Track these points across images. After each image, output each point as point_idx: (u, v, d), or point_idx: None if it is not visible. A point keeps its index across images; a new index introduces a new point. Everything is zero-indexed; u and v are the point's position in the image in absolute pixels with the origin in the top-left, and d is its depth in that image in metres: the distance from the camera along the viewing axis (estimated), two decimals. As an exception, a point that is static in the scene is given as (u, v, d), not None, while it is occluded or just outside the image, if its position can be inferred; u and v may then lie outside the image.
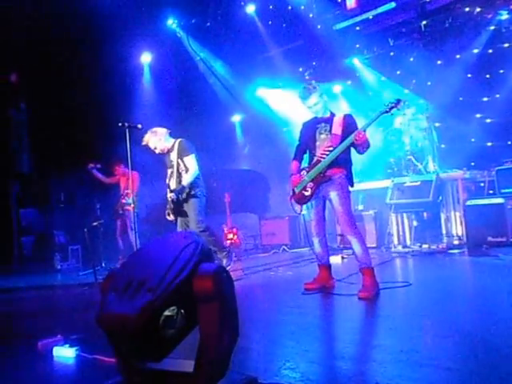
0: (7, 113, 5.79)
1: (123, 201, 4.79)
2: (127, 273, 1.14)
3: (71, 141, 6.04)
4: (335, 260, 4.11)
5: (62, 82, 5.68)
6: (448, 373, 1.30)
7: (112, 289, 1.10)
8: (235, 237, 5.74)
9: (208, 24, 6.80)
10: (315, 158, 2.59)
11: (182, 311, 1.06)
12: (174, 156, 3.28)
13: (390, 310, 2.22)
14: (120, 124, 3.05)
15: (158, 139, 3.28)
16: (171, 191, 3.25)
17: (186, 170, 3.21)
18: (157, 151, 3.33)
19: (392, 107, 2.46)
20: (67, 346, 1.75)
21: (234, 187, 5.80)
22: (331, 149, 2.51)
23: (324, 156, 2.52)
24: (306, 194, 2.59)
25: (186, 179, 3.19)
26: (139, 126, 3.13)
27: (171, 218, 3.29)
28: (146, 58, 7.03)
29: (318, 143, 2.61)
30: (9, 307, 3.16)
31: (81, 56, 5.51)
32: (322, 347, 1.69)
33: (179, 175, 3.22)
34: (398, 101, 2.46)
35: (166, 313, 1.03)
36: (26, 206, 5.76)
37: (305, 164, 2.76)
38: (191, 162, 3.21)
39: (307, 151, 2.73)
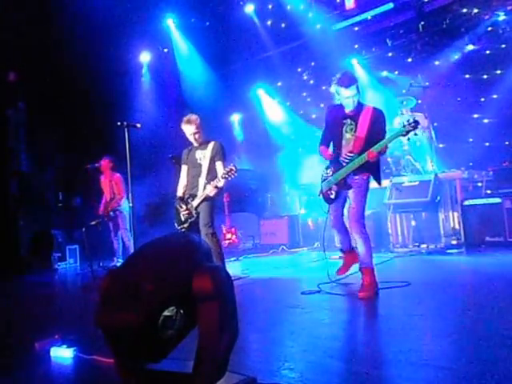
0: (5, 112, 5.75)
1: (115, 205, 4.74)
2: (126, 273, 1.14)
3: (70, 140, 6.01)
4: (334, 259, 4.13)
5: (61, 82, 5.65)
6: (446, 373, 1.30)
7: (110, 289, 1.10)
8: (233, 236, 5.74)
9: (207, 23, 6.79)
10: (340, 159, 2.56)
11: (181, 311, 1.05)
12: (204, 154, 3.12)
13: (388, 309, 2.22)
14: (119, 123, 3.03)
15: (198, 129, 3.12)
16: (187, 197, 3.05)
17: (216, 174, 3.03)
18: (191, 138, 3.14)
19: (409, 131, 2.37)
20: (65, 346, 1.74)
21: (233, 187, 5.80)
22: (352, 155, 2.47)
23: (346, 161, 2.50)
24: (331, 196, 2.68)
25: (222, 183, 2.96)
26: (138, 125, 3.12)
27: (187, 211, 3.01)
28: (145, 57, 7.02)
29: (343, 142, 2.55)
30: (6, 307, 3.14)
31: (80, 55, 5.48)
32: (320, 347, 1.68)
33: (208, 176, 3.04)
34: (416, 124, 2.33)
35: (165, 313, 1.02)
36: (24, 206, 5.73)
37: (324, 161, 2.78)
38: (223, 168, 3.08)
39: (332, 142, 2.66)
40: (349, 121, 2.54)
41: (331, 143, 2.69)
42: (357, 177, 2.53)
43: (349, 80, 2.44)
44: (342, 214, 2.76)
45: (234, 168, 2.87)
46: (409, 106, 4.99)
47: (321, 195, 2.76)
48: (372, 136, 2.44)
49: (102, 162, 4.86)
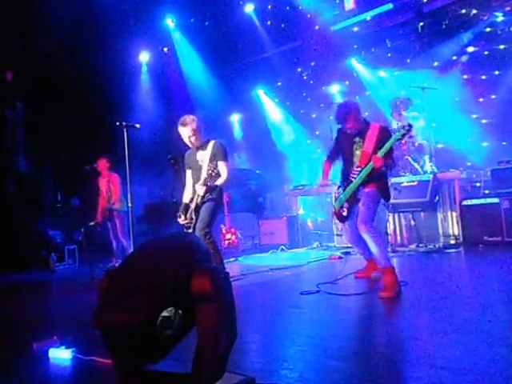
0: (4, 112, 5.74)
1: (114, 205, 4.74)
2: (124, 273, 1.14)
3: (69, 140, 6.00)
4: (334, 259, 4.14)
5: (60, 81, 5.64)
6: (444, 371, 1.31)
7: (108, 290, 1.09)
8: (233, 237, 5.73)
9: (206, 23, 6.79)
10: (349, 177, 2.69)
11: (180, 312, 1.05)
12: (204, 156, 3.00)
13: (387, 309, 2.23)
14: (118, 123, 3.03)
15: (194, 132, 2.97)
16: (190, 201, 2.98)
17: (218, 175, 2.93)
18: (186, 140, 3.01)
19: (404, 134, 2.57)
20: (63, 347, 1.74)
21: (233, 187, 5.79)
22: (359, 169, 2.62)
23: (354, 176, 2.64)
24: (344, 214, 2.77)
25: (220, 182, 2.95)
26: (137, 125, 3.12)
27: (186, 221, 2.95)
28: (144, 57, 7.01)
29: (354, 159, 2.71)
30: (4, 308, 3.13)
31: (79, 55, 5.48)
32: (319, 347, 1.68)
33: (209, 178, 2.89)
34: (410, 127, 2.55)
35: (164, 314, 1.02)
36: (22, 206, 5.72)
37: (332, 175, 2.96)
38: (226, 169, 2.98)
39: (339, 158, 2.86)
40: (357, 139, 2.70)
41: (337, 160, 2.88)
42: (366, 189, 2.64)
43: (336, 115, 2.76)
44: (357, 228, 2.77)
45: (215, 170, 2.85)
46: (407, 107, 5.00)
47: (334, 215, 2.84)
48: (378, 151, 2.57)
49: (99, 163, 4.87)
